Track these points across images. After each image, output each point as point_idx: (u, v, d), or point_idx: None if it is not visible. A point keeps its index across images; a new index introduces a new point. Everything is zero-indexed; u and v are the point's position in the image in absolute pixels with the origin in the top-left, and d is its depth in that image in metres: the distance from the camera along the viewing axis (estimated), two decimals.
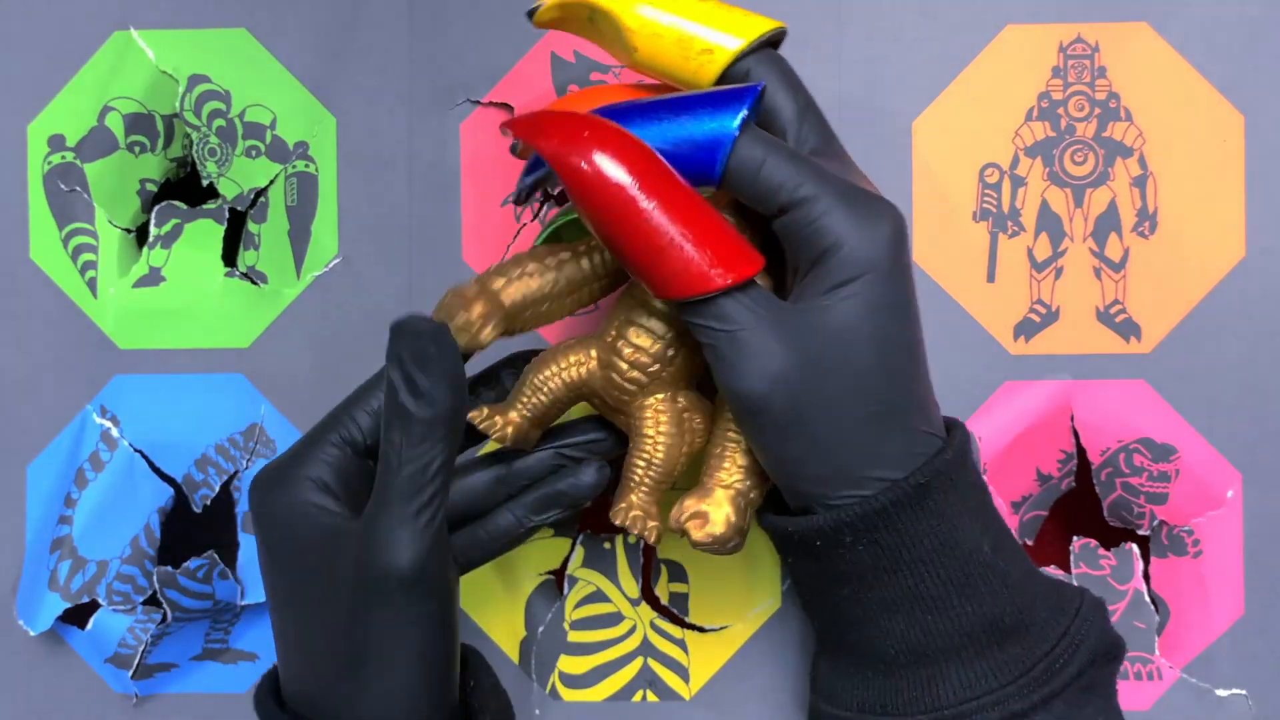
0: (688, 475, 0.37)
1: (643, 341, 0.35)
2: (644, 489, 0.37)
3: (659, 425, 0.36)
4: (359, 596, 0.33)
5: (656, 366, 0.36)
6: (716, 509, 0.35)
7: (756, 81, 0.35)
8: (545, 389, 0.37)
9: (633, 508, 0.36)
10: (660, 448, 0.36)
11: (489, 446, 0.40)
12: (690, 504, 0.35)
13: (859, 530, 0.33)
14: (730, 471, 0.36)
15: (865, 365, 0.33)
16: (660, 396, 0.36)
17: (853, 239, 0.33)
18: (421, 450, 0.32)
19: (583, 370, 0.36)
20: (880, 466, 0.33)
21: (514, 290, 0.35)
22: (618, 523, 0.36)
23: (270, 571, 0.35)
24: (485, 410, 0.37)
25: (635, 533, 0.36)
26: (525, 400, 0.37)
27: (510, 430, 0.37)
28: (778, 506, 0.37)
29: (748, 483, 0.36)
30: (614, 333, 0.36)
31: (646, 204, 0.31)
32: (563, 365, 0.36)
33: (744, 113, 0.33)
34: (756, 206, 0.34)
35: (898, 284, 0.33)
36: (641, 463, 0.36)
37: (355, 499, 0.35)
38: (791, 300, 0.34)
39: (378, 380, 0.36)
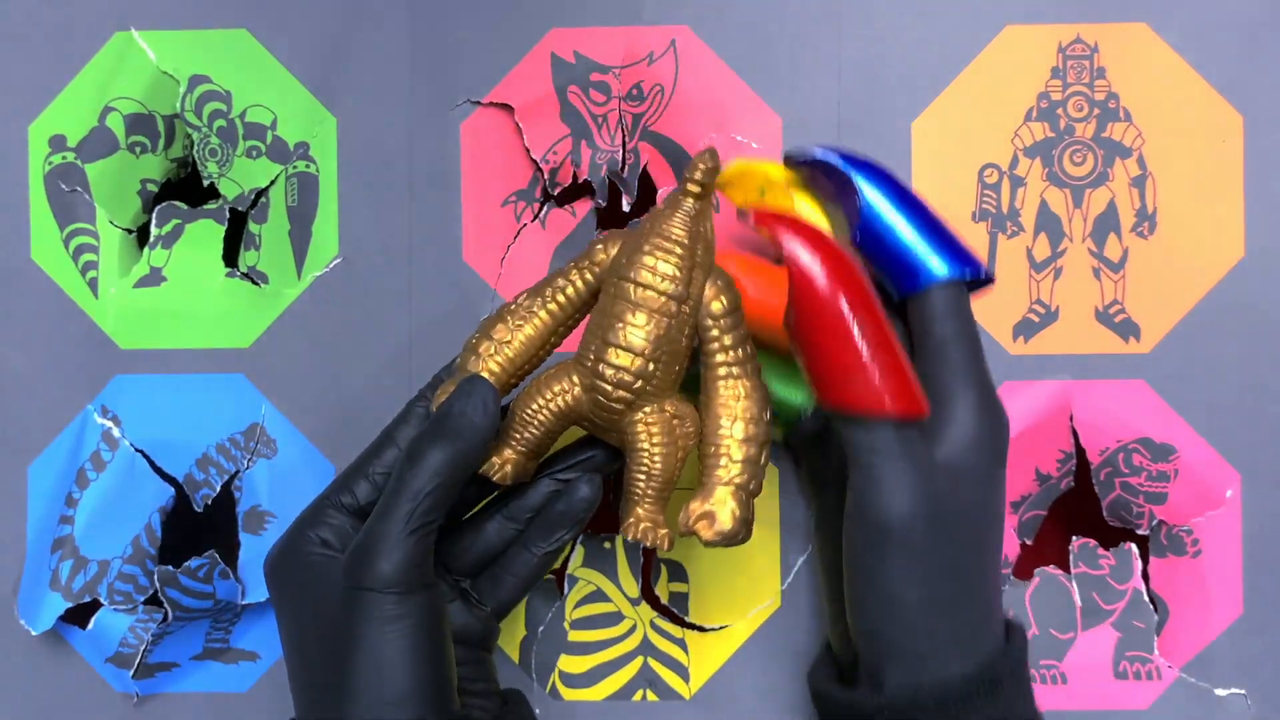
0: (686, 473, 0.38)
1: (623, 361, 0.36)
2: (648, 501, 0.37)
3: (652, 438, 0.37)
4: (346, 604, 0.35)
5: (640, 383, 0.36)
6: (721, 507, 0.36)
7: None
8: (535, 421, 0.37)
9: (640, 520, 0.37)
10: (657, 459, 0.37)
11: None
12: (695, 507, 0.36)
13: (930, 712, 0.34)
14: (728, 468, 0.36)
15: (978, 529, 0.36)
16: (648, 410, 0.37)
17: (980, 421, 0.36)
18: (430, 467, 0.35)
19: (568, 398, 0.37)
20: (976, 640, 0.35)
21: (514, 356, 0.37)
22: (629, 538, 0.37)
23: (284, 627, 0.37)
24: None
25: (648, 544, 0.37)
26: (517, 436, 0.38)
27: (509, 469, 0.38)
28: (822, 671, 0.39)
29: (745, 475, 0.36)
30: (593, 356, 0.36)
31: (850, 323, 0.34)
32: (548, 397, 0.37)
33: (957, 276, 0.37)
34: (915, 338, 0.37)
35: (1001, 470, 0.37)
36: (641, 477, 0.37)
37: None
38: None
39: (377, 448, 0.39)
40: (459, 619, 0.39)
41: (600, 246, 0.37)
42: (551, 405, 0.37)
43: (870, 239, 0.38)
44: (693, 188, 0.35)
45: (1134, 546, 0.45)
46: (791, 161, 0.40)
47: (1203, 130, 0.45)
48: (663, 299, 0.35)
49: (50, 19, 0.46)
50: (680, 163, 0.46)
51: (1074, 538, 0.46)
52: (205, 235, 0.47)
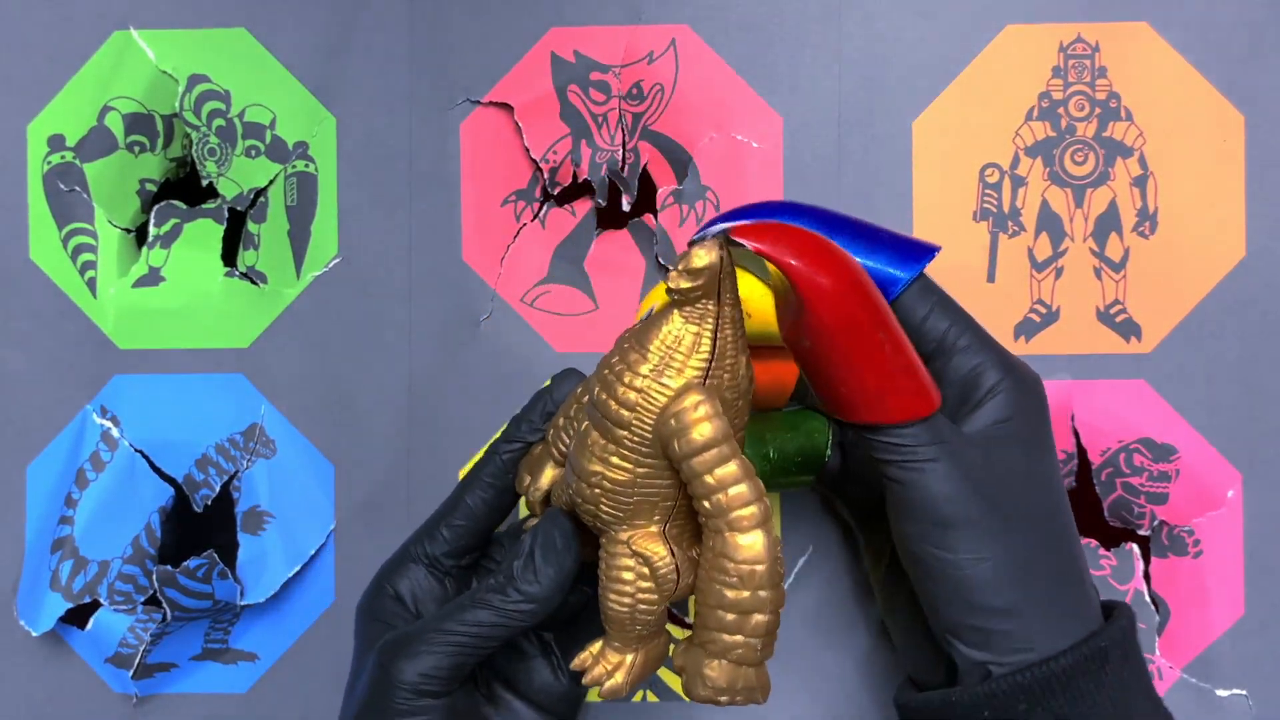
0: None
1: (572, 478, 0.32)
2: (611, 639, 0.33)
3: (607, 573, 0.32)
4: (374, 673, 0.35)
5: (590, 508, 0.32)
6: (701, 673, 0.31)
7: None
8: (558, 505, 0.35)
9: (594, 652, 0.34)
10: (610, 598, 0.32)
11: None
12: (679, 662, 0.32)
13: (1036, 696, 0.33)
14: (711, 636, 0.31)
15: (1030, 494, 0.35)
16: (614, 541, 0.32)
17: (1009, 386, 0.35)
18: (498, 607, 0.34)
19: (564, 501, 0.34)
20: (1064, 614, 0.34)
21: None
22: (573, 666, 0.34)
23: (353, 669, 0.38)
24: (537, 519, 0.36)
25: (586, 680, 0.33)
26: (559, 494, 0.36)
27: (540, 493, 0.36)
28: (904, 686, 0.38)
29: (737, 648, 0.31)
30: (572, 486, 0.32)
31: (882, 331, 0.32)
32: (556, 495, 0.35)
33: (921, 268, 0.36)
34: (914, 345, 0.36)
35: (1045, 431, 0.36)
36: (601, 611, 0.33)
37: (429, 610, 0.38)
38: None
39: (458, 494, 0.38)
40: (539, 678, 0.38)
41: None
42: (564, 496, 0.34)
43: None
44: (671, 293, 0.29)
45: (1135, 547, 0.45)
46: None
47: (1204, 130, 0.45)
48: (605, 422, 0.30)
49: (49, 19, 0.46)
50: (680, 162, 0.46)
51: None
52: (204, 235, 0.47)
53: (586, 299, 0.46)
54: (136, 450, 0.46)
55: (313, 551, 0.46)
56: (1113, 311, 0.45)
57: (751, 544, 0.29)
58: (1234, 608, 0.45)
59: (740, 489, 0.29)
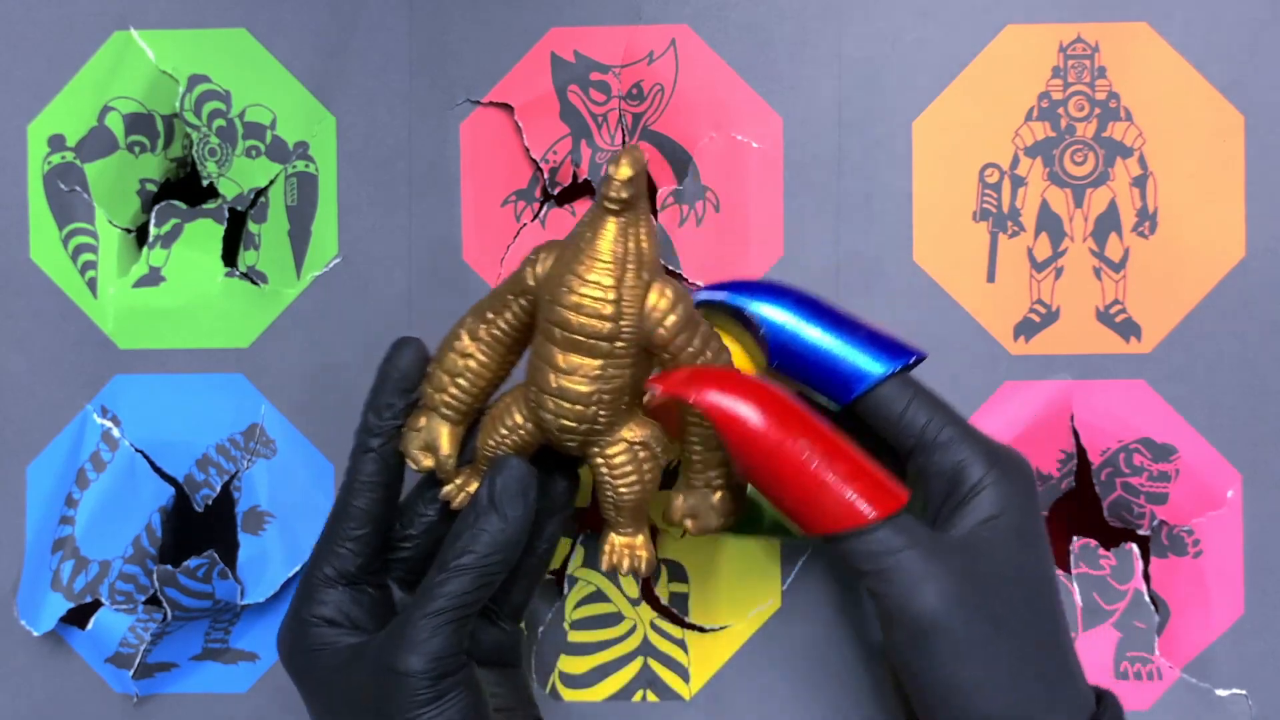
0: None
1: (562, 409, 0.34)
2: (623, 527, 0.37)
3: (613, 472, 0.35)
4: (380, 682, 0.34)
5: (585, 426, 0.34)
6: (706, 507, 0.37)
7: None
8: (500, 453, 0.36)
9: (615, 548, 0.37)
10: (623, 492, 0.36)
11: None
12: (679, 505, 0.37)
13: None
14: (705, 473, 0.36)
15: (1019, 594, 0.34)
16: (607, 442, 0.35)
17: (995, 479, 0.35)
18: (476, 559, 0.35)
19: (522, 433, 0.36)
20: (1054, 711, 0.33)
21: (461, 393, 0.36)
22: (605, 569, 0.37)
23: (314, 710, 0.37)
24: (458, 483, 0.37)
25: (624, 571, 0.37)
26: (483, 469, 0.37)
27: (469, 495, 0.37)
28: None
29: (727, 474, 0.36)
30: (534, 400, 0.35)
31: (797, 453, 0.33)
32: (502, 434, 0.36)
33: (898, 368, 0.36)
34: (893, 441, 0.36)
35: (1035, 522, 0.35)
36: (610, 509, 0.36)
37: (365, 620, 0.37)
38: (935, 528, 0.35)
39: (343, 510, 0.37)
40: (486, 637, 0.39)
41: (530, 270, 0.34)
42: (508, 441, 0.36)
43: (789, 358, 0.37)
44: (610, 205, 0.32)
45: (1135, 547, 0.45)
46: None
47: (1204, 130, 0.45)
48: (592, 341, 0.33)
49: (49, 19, 0.46)
50: (680, 162, 0.46)
51: (1075, 538, 0.45)
52: (204, 235, 0.47)
53: None
54: (137, 450, 0.46)
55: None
56: (1112, 311, 0.45)
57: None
58: (1234, 608, 0.45)
59: (716, 344, 0.35)
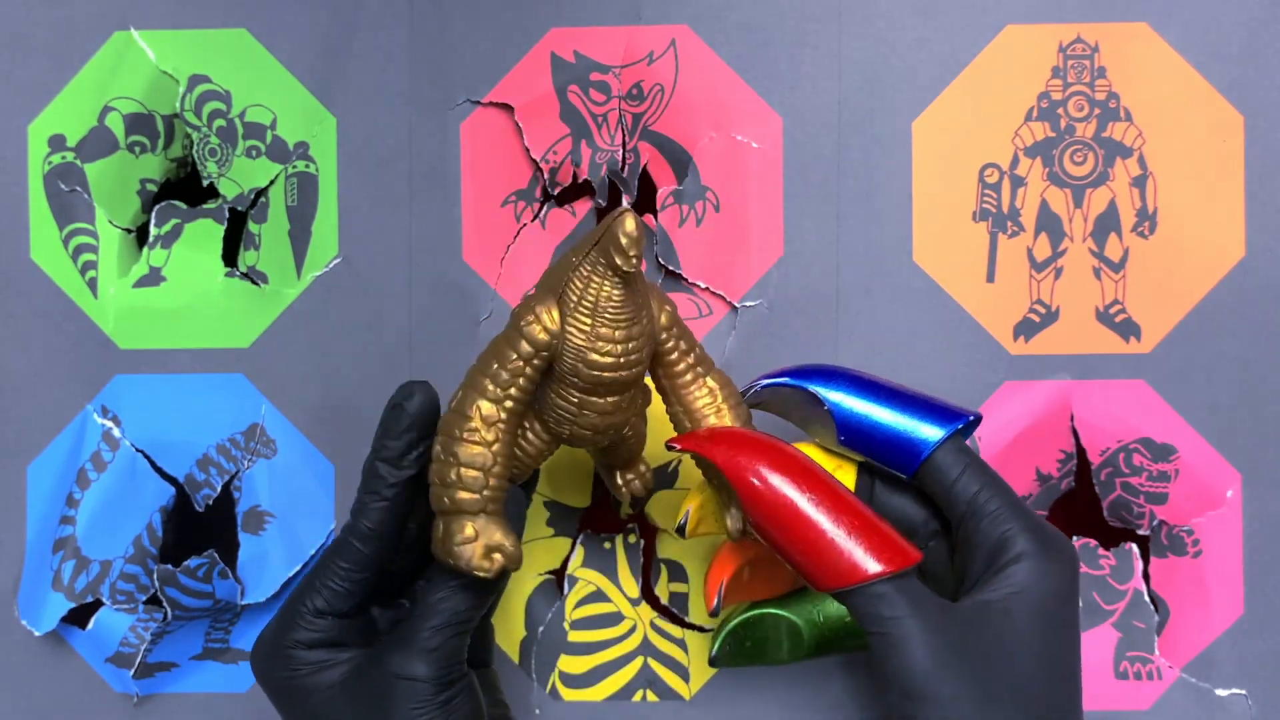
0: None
1: (592, 434, 0.36)
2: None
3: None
4: (382, 688, 0.35)
5: (614, 433, 0.37)
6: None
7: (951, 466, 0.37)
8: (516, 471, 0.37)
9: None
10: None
11: None
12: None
13: None
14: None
15: (1030, 672, 0.34)
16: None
17: (1035, 556, 0.35)
18: (477, 590, 0.36)
19: (539, 445, 0.37)
20: None
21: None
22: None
23: None
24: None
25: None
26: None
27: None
28: None
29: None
30: (552, 424, 0.36)
31: (806, 510, 0.34)
32: (524, 448, 0.37)
33: (954, 430, 0.37)
34: (945, 509, 0.37)
35: (1067, 606, 0.35)
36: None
37: (347, 637, 0.37)
38: (964, 597, 0.35)
39: (345, 550, 0.37)
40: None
41: (538, 327, 0.34)
42: (530, 452, 0.37)
43: (856, 435, 0.38)
44: (627, 270, 0.33)
45: (1134, 547, 0.45)
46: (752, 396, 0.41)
47: (1203, 130, 0.45)
48: (622, 382, 0.35)
49: (49, 18, 0.46)
50: (680, 162, 0.46)
51: (1074, 538, 0.46)
52: (205, 235, 0.47)
53: None
54: (138, 450, 0.46)
55: (313, 551, 0.46)
56: (1112, 311, 0.45)
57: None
58: (1233, 608, 0.45)
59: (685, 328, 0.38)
